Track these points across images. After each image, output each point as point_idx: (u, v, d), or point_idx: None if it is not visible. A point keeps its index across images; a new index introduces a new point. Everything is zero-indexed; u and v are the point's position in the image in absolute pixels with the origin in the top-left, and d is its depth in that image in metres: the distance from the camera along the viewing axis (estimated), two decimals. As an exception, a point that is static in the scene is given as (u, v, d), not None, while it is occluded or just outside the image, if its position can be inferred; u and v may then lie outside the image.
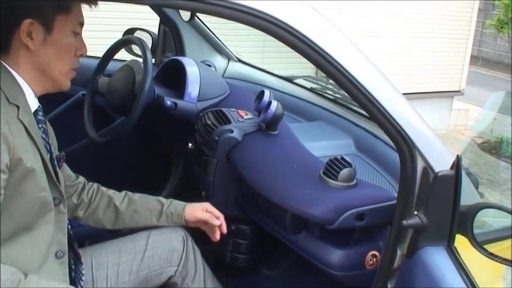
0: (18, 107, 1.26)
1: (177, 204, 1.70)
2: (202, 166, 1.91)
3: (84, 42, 1.39)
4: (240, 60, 2.61)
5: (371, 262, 1.63)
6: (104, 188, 1.70)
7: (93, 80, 2.13)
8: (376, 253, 1.62)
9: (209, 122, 1.90)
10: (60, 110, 2.28)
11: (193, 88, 2.09)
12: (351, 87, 1.32)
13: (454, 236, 1.36)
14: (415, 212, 1.38)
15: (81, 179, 1.70)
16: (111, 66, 2.17)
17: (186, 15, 2.28)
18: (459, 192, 1.33)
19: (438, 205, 1.34)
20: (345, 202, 1.53)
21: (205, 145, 1.90)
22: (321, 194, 1.56)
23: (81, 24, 1.36)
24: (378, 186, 1.71)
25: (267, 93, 1.89)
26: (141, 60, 2.00)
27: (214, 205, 1.92)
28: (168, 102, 1.98)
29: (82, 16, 1.36)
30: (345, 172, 1.58)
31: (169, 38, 2.43)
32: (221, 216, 1.70)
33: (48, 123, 1.45)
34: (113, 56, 2.15)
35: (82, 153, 2.36)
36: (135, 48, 2.24)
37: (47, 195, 1.30)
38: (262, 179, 1.67)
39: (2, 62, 1.30)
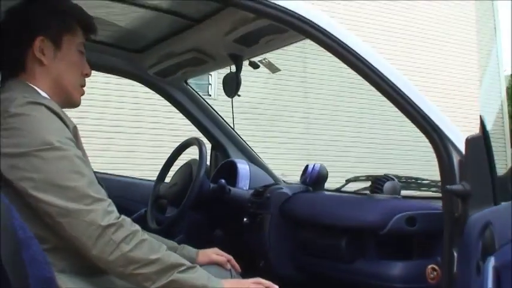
0: None
1: (190, 248, 1.76)
2: (258, 226, 2.02)
3: (87, 63, 1.56)
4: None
5: (432, 276, 1.63)
6: None
7: (155, 187, 2.36)
8: (436, 267, 1.64)
9: (260, 190, 2.08)
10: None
11: (244, 183, 2.31)
12: (395, 96, 1.55)
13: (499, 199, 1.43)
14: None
15: None
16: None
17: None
18: (491, 153, 1.44)
19: (476, 169, 1.45)
20: (393, 206, 1.65)
21: (258, 207, 2.05)
22: (371, 204, 1.67)
23: (84, 44, 1.55)
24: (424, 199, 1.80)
25: (311, 165, 2.09)
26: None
27: (271, 267, 1.99)
28: (223, 181, 2.17)
29: (83, 37, 1.55)
30: (388, 185, 1.71)
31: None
32: (231, 259, 1.75)
33: None
34: (173, 163, 2.40)
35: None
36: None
37: None
38: (314, 208, 1.80)
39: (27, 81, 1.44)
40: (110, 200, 1.37)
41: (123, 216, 1.36)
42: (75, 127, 1.43)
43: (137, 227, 1.38)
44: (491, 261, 1.19)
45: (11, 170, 1.31)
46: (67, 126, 1.38)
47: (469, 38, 10.42)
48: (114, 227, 1.31)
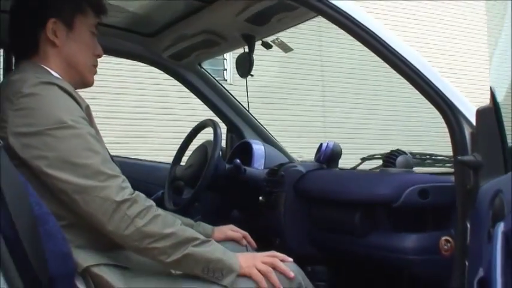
0: None
1: (206, 225, 1.79)
2: (273, 204, 2.05)
3: (98, 44, 1.58)
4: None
5: (446, 247, 1.64)
6: None
7: (172, 169, 2.39)
8: (450, 238, 1.65)
9: (275, 168, 2.10)
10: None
11: (259, 163, 2.33)
12: (407, 70, 1.57)
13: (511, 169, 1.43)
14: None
15: None
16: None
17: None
18: (502, 124, 1.45)
19: (486, 140, 1.45)
20: (406, 179, 1.66)
21: (273, 185, 2.07)
22: (383, 178, 1.69)
23: (95, 26, 1.57)
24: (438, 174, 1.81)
25: (325, 143, 2.10)
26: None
27: (286, 243, 2.02)
28: (238, 161, 2.20)
29: (95, 19, 1.57)
30: (401, 159, 1.72)
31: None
32: (247, 235, 1.79)
33: None
34: (188, 145, 2.43)
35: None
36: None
37: None
38: (328, 184, 1.82)
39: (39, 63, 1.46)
40: (123, 177, 1.39)
41: (137, 192, 1.38)
42: (87, 106, 1.45)
43: (151, 202, 1.41)
44: (501, 227, 1.20)
45: (25, 149, 1.34)
46: (79, 105, 1.41)
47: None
48: (128, 202, 1.33)
